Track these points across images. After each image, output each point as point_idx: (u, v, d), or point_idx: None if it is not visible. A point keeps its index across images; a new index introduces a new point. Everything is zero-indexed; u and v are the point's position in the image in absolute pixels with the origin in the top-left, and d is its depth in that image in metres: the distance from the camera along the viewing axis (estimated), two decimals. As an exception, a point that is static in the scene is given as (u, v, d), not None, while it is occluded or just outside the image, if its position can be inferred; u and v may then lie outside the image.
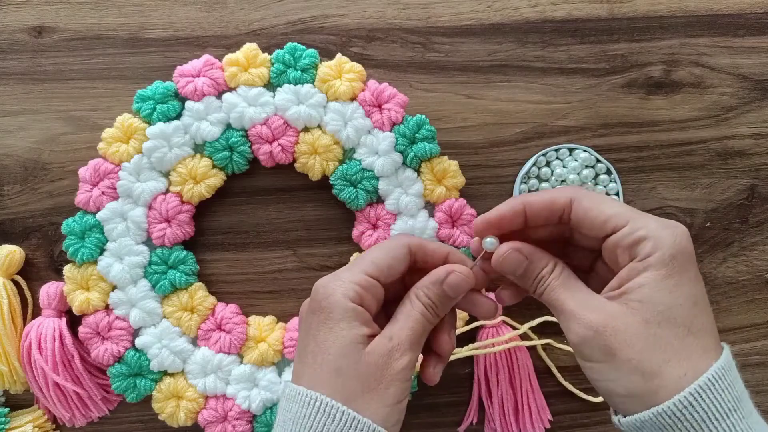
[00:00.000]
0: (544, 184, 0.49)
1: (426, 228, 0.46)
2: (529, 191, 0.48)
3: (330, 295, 0.33)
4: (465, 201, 0.47)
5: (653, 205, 0.50)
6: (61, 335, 0.45)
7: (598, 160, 0.49)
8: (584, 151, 0.48)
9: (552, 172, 0.48)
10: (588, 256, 0.37)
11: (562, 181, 0.48)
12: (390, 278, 0.35)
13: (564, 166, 0.48)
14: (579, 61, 0.50)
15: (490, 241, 0.35)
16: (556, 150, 0.49)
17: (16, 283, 0.47)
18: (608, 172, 0.49)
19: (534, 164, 0.48)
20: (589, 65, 0.50)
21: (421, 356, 0.37)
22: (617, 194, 0.49)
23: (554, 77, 0.50)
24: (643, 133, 0.50)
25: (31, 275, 0.48)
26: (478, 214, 0.49)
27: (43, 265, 0.47)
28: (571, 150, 0.49)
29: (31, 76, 0.48)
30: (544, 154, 0.49)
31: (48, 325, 0.46)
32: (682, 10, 0.50)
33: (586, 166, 0.48)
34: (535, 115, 0.49)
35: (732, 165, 0.50)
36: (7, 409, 0.47)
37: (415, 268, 0.37)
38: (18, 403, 0.48)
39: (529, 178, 0.49)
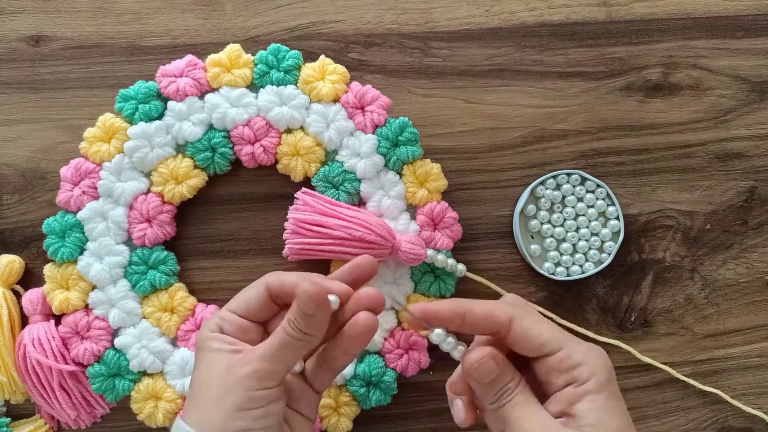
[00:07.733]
0: (546, 226, 0.48)
1: (407, 231, 0.46)
2: (531, 234, 0.48)
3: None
4: (447, 204, 0.47)
5: (653, 208, 0.50)
6: (54, 336, 0.45)
7: (584, 179, 0.49)
8: (568, 175, 0.48)
9: (551, 205, 0.48)
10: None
11: (565, 219, 0.49)
12: (255, 314, 0.36)
13: (563, 196, 0.49)
14: (577, 64, 0.50)
15: (437, 333, 0.35)
16: (543, 183, 0.48)
17: (15, 293, 0.47)
18: (608, 195, 0.49)
19: (528, 197, 0.48)
20: (587, 69, 0.50)
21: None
22: (618, 218, 0.49)
23: (552, 81, 0.49)
24: (642, 136, 0.50)
25: (30, 285, 0.48)
26: (480, 218, 0.49)
27: (42, 274, 0.47)
28: (556, 178, 0.49)
29: (29, 85, 0.48)
30: (533, 188, 0.48)
31: (38, 330, 0.45)
32: (680, 12, 0.50)
33: (579, 199, 0.49)
34: (534, 119, 0.49)
35: (731, 167, 0.50)
36: (8, 419, 0.47)
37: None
38: (19, 412, 0.48)
39: (528, 218, 0.49)
